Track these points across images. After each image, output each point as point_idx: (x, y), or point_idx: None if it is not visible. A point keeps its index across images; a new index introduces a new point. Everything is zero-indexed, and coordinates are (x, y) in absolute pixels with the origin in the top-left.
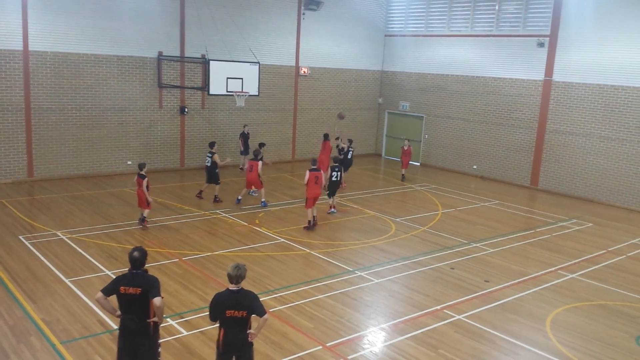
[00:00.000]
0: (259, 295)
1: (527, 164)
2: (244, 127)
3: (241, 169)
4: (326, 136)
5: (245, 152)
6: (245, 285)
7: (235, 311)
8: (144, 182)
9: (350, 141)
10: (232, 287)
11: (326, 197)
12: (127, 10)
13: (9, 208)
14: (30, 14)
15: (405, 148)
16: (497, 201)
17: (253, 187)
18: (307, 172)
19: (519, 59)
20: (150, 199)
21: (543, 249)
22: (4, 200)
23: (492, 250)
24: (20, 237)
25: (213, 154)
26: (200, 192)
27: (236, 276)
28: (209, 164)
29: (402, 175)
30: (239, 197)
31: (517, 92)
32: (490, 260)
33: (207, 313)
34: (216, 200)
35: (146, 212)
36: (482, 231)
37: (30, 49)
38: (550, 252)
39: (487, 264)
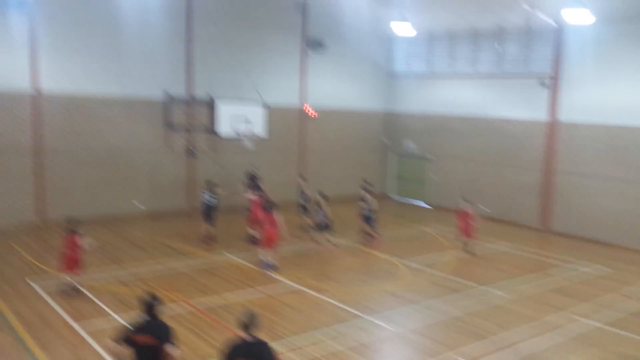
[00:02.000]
0: (270, 343)
1: (536, 206)
2: (252, 167)
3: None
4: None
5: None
6: (257, 331)
7: None
8: (81, 239)
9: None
10: (246, 336)
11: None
12: (134, 52)
13: (18, 250)
14: (41, 57)
15: (464, 210)
16: (508, 243)
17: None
18: (263, 214)
19: (523, 99)
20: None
21: (557, 293)
22: (12, 242)
23: (504, 294)
24: (31, 282)
25: (215, 192)
26: (212, 236)
27: (250, 325)
28: (210, 204)
29: (464, 244)
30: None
31: (522, 132)
32: (503, 305)
33: None
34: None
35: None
36: (493, 274)
37: (41, 91)
38: (565, 296)
39: (500, 308)
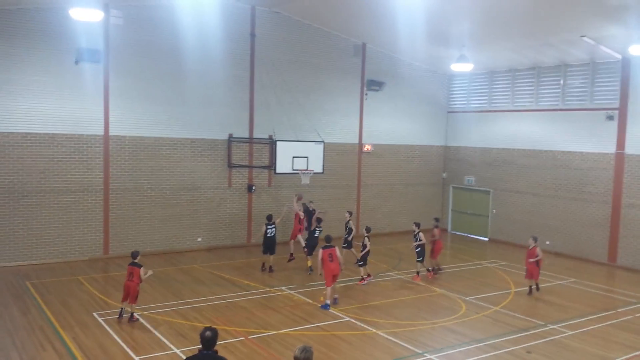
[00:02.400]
0: None
1: (604, 240)
2: (310, 203)
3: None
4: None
5: (307, 228)
6: None
7: None
8: (141, 271)
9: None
10: None
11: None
12: (199, 97)
13: (85, 285)
14: (112, 102)
15: (530, 248)
16: (574, 279)
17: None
18: (320, 250)
19: (588, 132)
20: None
21: (626, 331)
22: (80, 277)
23: (570, 332)
24: (95, 313)
25: (274, 225)
26: (270, 266)
27: (302, 358)
28: (272, 235)
29: (530, 288)
30: (336, 297)
31: (588, 165)
32: (568, 344)
33: None
34: (271, 270)
35: (134, 306)
36: (558, 312)
37: (110, 133)
38: (635, 334)
39: (565, 347)
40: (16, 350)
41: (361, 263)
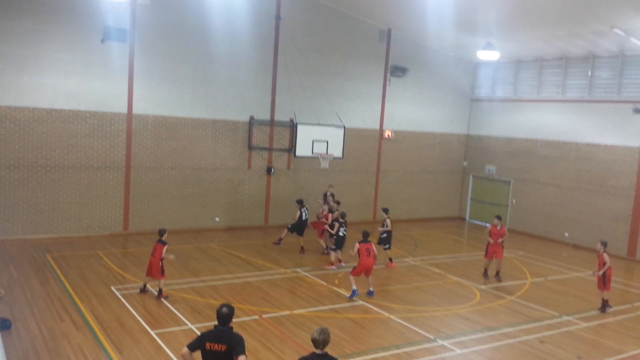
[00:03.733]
0: (335, 358)
1: (624, 234)
2: (330, 187)
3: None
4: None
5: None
6: (327, 347)
7: None
8: (164, 250)
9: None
10: (318, 351)
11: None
12: (222, 78)
13: (104, 259)
14: (136, 81)
15: (499, 228)
16: (592, 272)
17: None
18: (357, 244)
19: (614, 125)
20: (171, 257)
21: None
22: (100, 251)
23: (585, 324)
24: (112, 287)
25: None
26: (302, 247)
27: (322, 341)
28: (306, 218)
29: (485, 270)
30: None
31: (613, 158)
32: (583, 336)
33: None
34: (303, 250)
35: (162, 282)
36: (574, 303)
37: (133, 112)
38: None
39: (580, 339)
40: (35, 320)
41: (333, 247)
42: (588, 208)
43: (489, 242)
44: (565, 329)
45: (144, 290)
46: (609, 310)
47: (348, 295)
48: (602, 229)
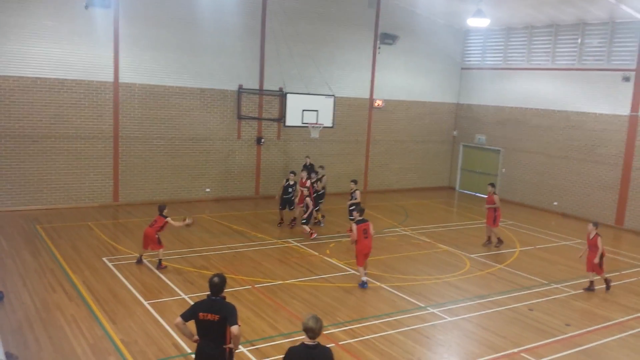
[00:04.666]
0: (328, 327)
1: (612, 203)
2: (306, 158)
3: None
4: None
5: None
6: (320, 336)
7: None
8: (163, 223)
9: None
10: (309, 341)
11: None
12: (210, 46)
13: (95, 230)
14: (122, 49)
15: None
16: (580, 240)
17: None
18: (354, 226)
19: (603, 93)
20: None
21: (629, 292)
22: (90, 223)
23: (573, 292)
24: (104, 258)
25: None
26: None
27: (318, 329)
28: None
29: (489, 239)
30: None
31: (601, 127)
32: (571, 303)
33: (277, 342)
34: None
35: (161, 252)
36: (562, 271)
37: (120, 81)
38: (637, 296)
39: (568, 306)
40: (27, 291)
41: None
42: (577, 177)
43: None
44: (554, 296)
45: (140, 261)
46: (593, 290)
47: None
48: (591, 197)
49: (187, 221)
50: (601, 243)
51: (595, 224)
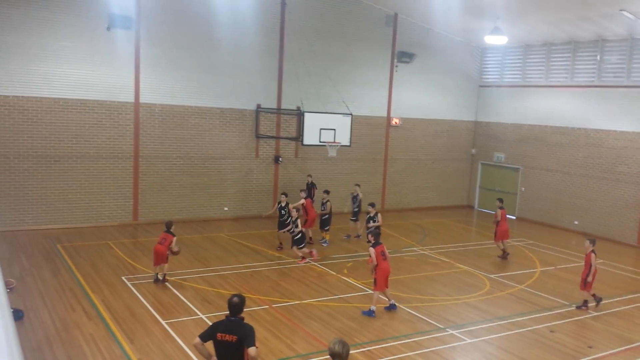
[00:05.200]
0: None
1: (634, 222)
2: (308, 177)
3: None
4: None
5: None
6: (332, 335)
7: None
8: (174, 241)
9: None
10: None
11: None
12: (229, 66)
13: (114, 249)
14: (142, 69)
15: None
16: (601, 260)
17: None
18: (372, 250)
19: (624, 110)
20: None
21: None
22: (110, 241)
23: (595, 313)
24: (123, 277)
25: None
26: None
27: (344, 353)
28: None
29: (503, 251)
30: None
31: (622, 144)
32: (593, 324)
33: None
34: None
35: (166, 267)
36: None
37: (140, 101)
38: None
39: (589, 328)
40: (47, 310)
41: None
42: (597, 195)
43: None
44: (576, 318)
45: (157, 280)
46: (584, 308)
47: (362, 311)
48: (612, 216)
49: (177, 249)
50: (594, 261)
51: (592, 241)
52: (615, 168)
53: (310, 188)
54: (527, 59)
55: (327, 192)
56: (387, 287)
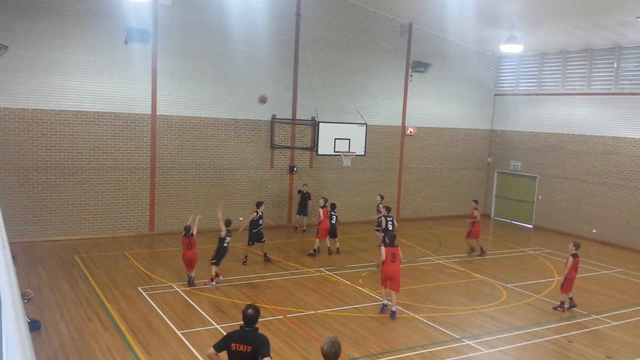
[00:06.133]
0: (360, 358)
1: None
2: (304, 185)
3: (299, 228)
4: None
5: (302, 212)
6: (347, 345)
7: None
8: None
9: (387, 209)
10: None
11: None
12: (244, 77)
13: (131, 260)
14: (159, 82)
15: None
16: (620, 269)
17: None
18: (382, 248)
19: None
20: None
21: None
22: (126, 252)
23: (614, 323)
24: (139, 288)
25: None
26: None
27: (333, 354)
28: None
29: (471, 248)
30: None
31: None
32: (612, 335)
33: None
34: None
35: (193, 272)
36: (603, 302)
37: (157, 113)
38: None
39: (608, 338)
40: (64, 321)
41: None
42: (616, 203)
43: None
44: (594, 327)
45: (191, 284)
46: (560, 310)
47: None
48: (631, 224)
49: (198, 217)
50: (570, 265)
51: (576, 245)
52: (633, 176)
53: (305, 198)
54: (542, 67)
55: (324, 199)
56: (392, 290)
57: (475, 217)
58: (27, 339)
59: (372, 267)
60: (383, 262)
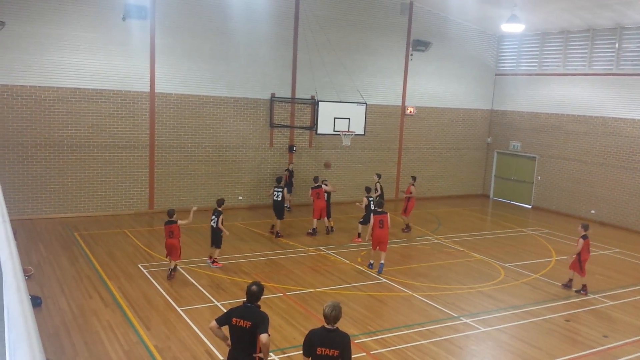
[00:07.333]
0: (359, 336)
1: None
2: (290, 164)
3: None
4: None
5: (289, 190)
6: (346, 323)
7: (327, 349)
8: (180, 224)
9: (367, 190)
10: (328, 326)
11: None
12: (243, 55)
13: (131, 238)
14: (158, 59)
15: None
16: (618, 249)
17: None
18: (371, 216)
19: None
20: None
21: None
22: (126, 230)
23: (611, 302)
24: (139, 265)
25: (282, 188)
26: (274, 229)
27: (333, 317)
28: (278, 199)
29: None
30: (371, 262)
31: None
32: (609, 314)
33: None
34: (278, 235)
35: (174, 263)
36: (600, 281)
37: (156, 91)
38: None
39: (605, 317)
40: (64, 297)
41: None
42: (615, 184)
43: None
44: (591, 307)
45: (171, 274)
46: (584, 293)
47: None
48: (630, 205)
49: (194, 208)
50: (580, 246)
51: (584, 226)
52: (633, 157)
53: (291, 176)
54: (544, 46)
55: (317, 178)
56: (381, 251)
57: (410, 193)
58: (29, 310)
59: (369, 247)
60: (372, 229)
